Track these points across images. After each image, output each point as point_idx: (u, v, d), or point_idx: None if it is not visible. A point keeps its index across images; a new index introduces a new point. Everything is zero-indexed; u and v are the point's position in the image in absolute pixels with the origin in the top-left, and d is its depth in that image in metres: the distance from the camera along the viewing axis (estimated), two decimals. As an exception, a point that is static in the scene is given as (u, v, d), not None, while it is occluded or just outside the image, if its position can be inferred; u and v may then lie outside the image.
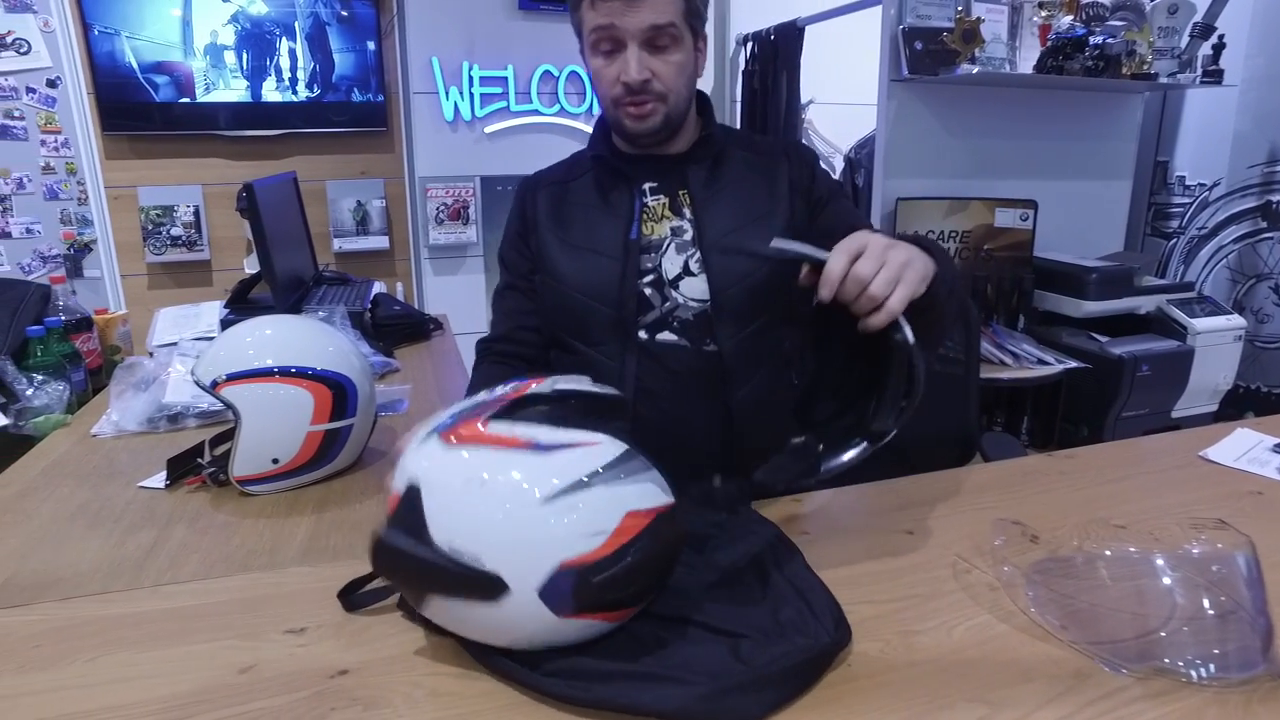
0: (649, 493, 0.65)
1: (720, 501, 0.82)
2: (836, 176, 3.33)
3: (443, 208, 3.07)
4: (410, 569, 0.64)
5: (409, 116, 2.98)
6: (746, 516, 0.86)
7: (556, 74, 3.05)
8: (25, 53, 2.60)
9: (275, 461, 1.06)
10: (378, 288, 2.09)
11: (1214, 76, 2.44)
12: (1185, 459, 1.06)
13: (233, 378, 1.05)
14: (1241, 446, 1.07)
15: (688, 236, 1.06)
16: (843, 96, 3.37)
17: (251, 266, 2.84)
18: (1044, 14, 2.37)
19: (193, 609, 0.75)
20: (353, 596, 0.74)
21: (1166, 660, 0.61)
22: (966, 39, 2.21)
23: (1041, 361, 2.29)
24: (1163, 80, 2.41)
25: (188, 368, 1.35)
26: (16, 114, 2.63)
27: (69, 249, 2.76)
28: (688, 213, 1.07)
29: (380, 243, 3.06)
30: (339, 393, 1.08)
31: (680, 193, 1.08)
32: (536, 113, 3.08)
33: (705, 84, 3.29)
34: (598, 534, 0.61)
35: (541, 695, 0.60)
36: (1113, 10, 2.37)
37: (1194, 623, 0.63)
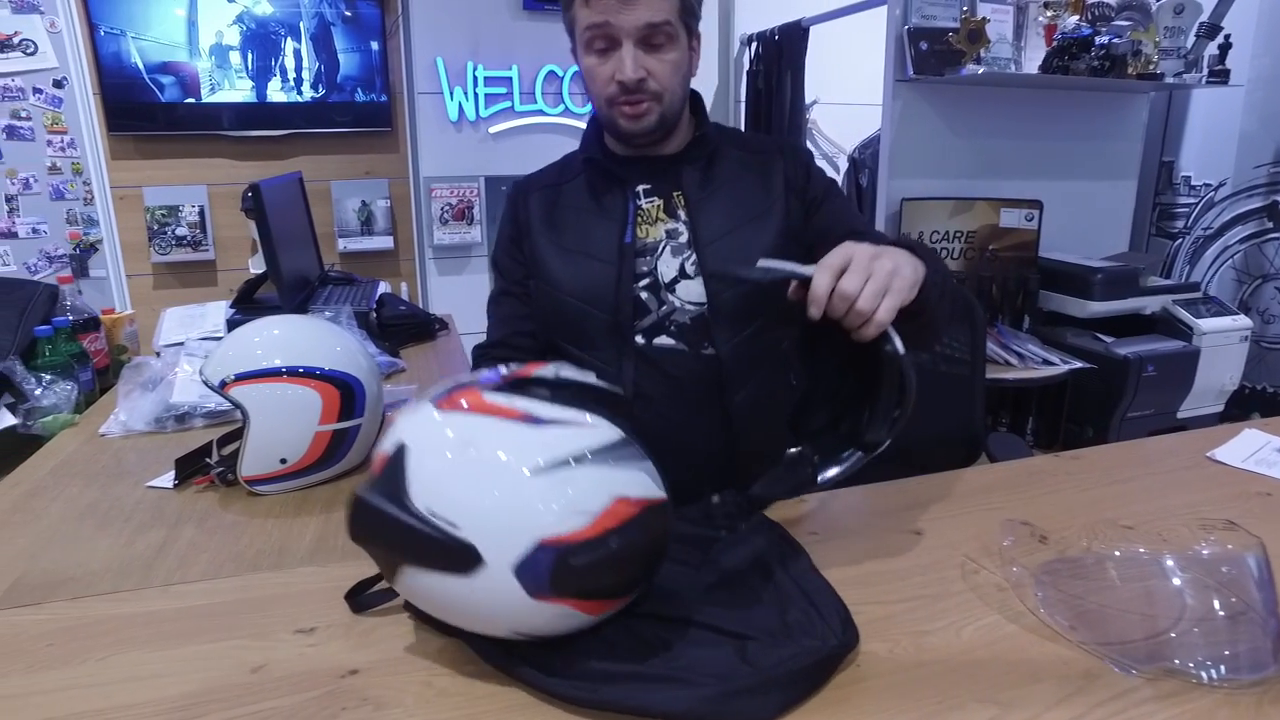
0: (640, 482, 0.64)
1: (720, 519, 0.81)
2: (840, 177, 3.33)
3: (447, 208, 3.07)
4: (385, 532, 0.62)
5: (414, 116, 2.99)
6: (754, 521, 0.86)
7: (561, 74, 3.05)
8: (32, 53, 2.60)
9: (283, 461, 1.06)
10: (383, 288, 2.09)
11: (1220, 76, 2.44)
12: (1192, 460, 1.06)
13: (241, 378, 1.05)
14: (1249, 447, 1.07)
15: (683, 239, 1.05)
16: (847, 97, 3.37)
17: (256, 266, 2.85)
18: (1049, 14, 2.37)
19: (203, 608, 0.75)
20: (360, 597, 0.74)
21: (1177, 661, 0.61)
22: (972, 39, 2.20)
23: (1046, 362, 2.29)
24: (1168, 80, 2.40)
25: (195, 368, 1.36)
26: (23, 114, 2.63)
27: (75, 249, 2.76)
28: (683, 214, 1.05)
29: (385, 243, 3.06)
30: (347, 393, 1.08)
31: (675, 194, 1.06)
32: (541, 113, 3.08)
33: (709, 84, 3.31)
34: (581, 514, 0.59)
35: (550, 696, 0.60)
36: (1118, 10, 2.36)
37: (1204, 624, 0.63)
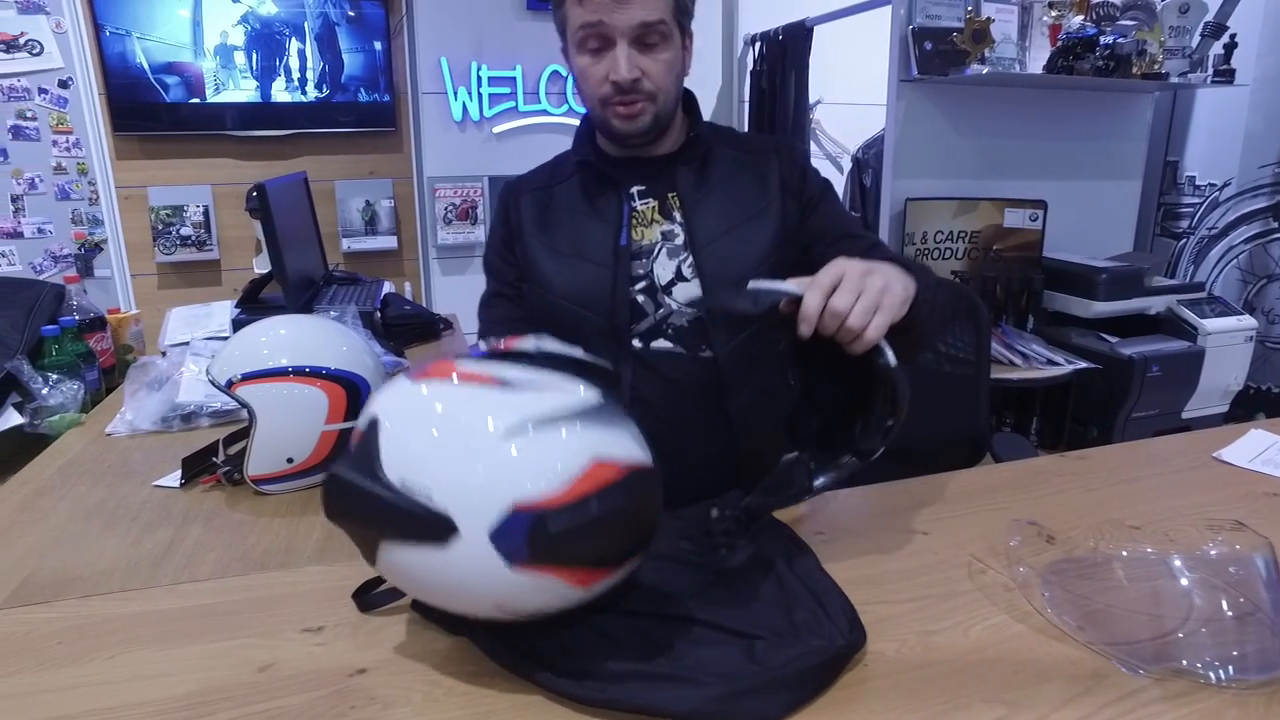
0: (622, 444, 0.61)
1: (719, 536, 0.80)
2: (843, 177, 3.33)
3: (451, 208, 3.08)
4: (360, 506, 0.60)
5: (417, 116, 2.99)
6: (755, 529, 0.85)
7: (565, 74, 3.05)
8: (38, 54, 2.61)
9: (290, 461, 1.07)
10: (387, 287, 2.09)
11: (1225, 76, 2.43)
12: (1198, 460, 1.05)
13: (248, 377, 1.05)
14: (1256, 448, 1.07)
15: (679, 241, 1.04)
16: (851, 97, 3.37)
17: (261, 266, 2.86)
18: (1054, 14, 2.37)
19: (210, 607, 0.75)
20: (367, 597, 0.74)
21: (1184, 662, 0.61)
22: (976, 39, 2.20)
23: (1051, 362, 2.28)
24: (1174, 80, 2.39)
25: (200, 367, 1.36)
26: (29, 114, 2.64)
27: (80, 249, 2.77)
28: (678, 216, 1.04)
29: (389, 243, 3.07)
30: (353, 392, 1.09)
31: (670, 195, 1.05)
32: (545, 113, 3.09)
33: (713, 84, 3.31)
34: (556, 476, 0.57)
35: (558, 696, 0.60)
36: (1123, 10, 2.36)
37: (1212, 624, 0.63)
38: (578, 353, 0.68)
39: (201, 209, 2.86)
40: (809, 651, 0.63)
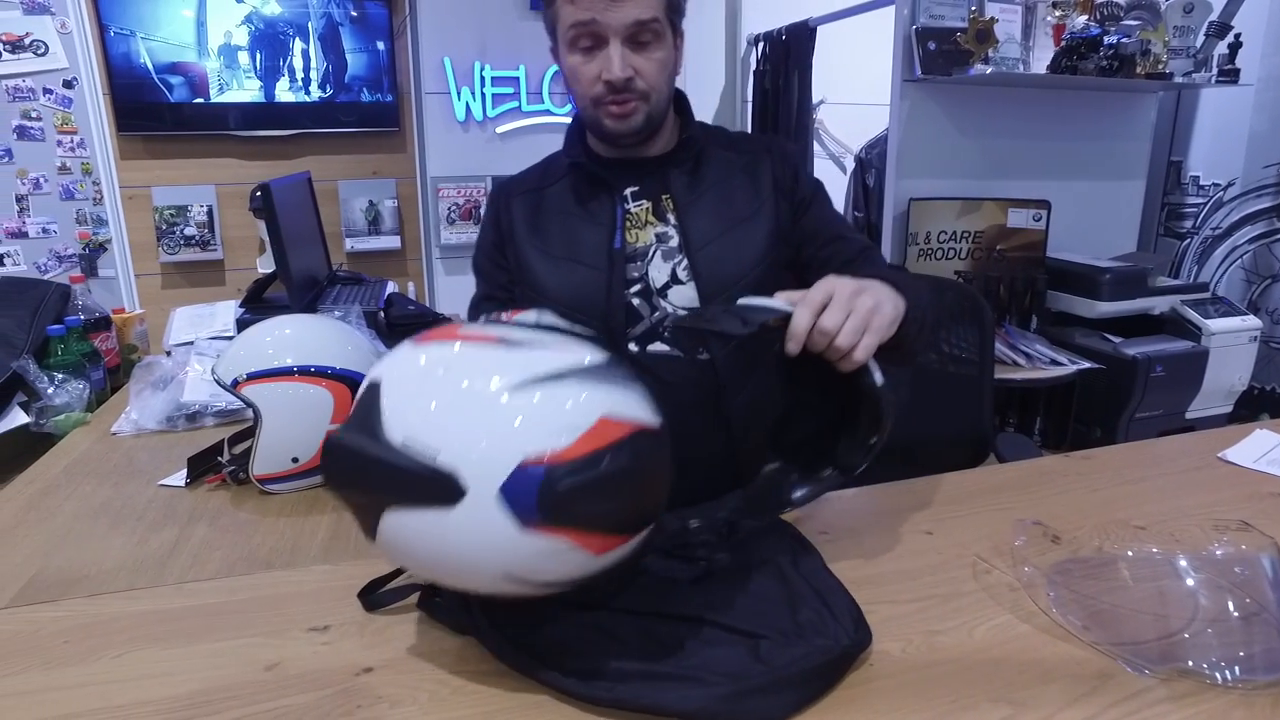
0: (631, 403, 0.60)
1: (699, 549, 0.79)
2: (846, 177, 3.32)
3: (454, 208, 3.08)
4: (361, 471, 0.58)
5: (421, 116, 3.00)
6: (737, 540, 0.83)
7: (568, 74, 3.06)
8: (43, 54, 2.62)
9: (295, 460, 1.07)
10: (391, 287, 2.09)
11: (1230, 76, 2.43)
12: (1203, 460, 1.05)
13: (253, 377, 1.06)
14: (1261, 448, 1.07)
15: (673, 243, 1.02)
16: (854, 96, 3.37)
17: (264, 266, 2.86)
18: (1058, 14, 2.36)
19: (217, 606, 0.75)
20: (373, 596, 0.75)
21: (1190, 662, 0.61)
22: (980, 39, 2.20)
23: (1055, 362, 2.28)
24: (1178, 80, 2.39)
25: (205, 367, 1.36)
26: (34, 115, 2.65)
27: (84, 249, 2.78)
28: (672, 218, 1.03)
29: (392, 242, 3.07)
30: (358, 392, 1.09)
31: (663, 197, 1.04)
32: (548, 113, 3.09)
33: (716, 84, 3.31)
34: (566, 431, 0.55)
35: (564, 695, 0.61)
36: (1127, 9, 2.35)
37: (1218, 624, 0.63)
38: (580, 329, 0.67)
39: (205, 209, 2.86)
40: (814, 651, 0.63)
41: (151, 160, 2.80)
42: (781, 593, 0.72)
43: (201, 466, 1.12)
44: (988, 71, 2.22)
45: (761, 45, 3.15)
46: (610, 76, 0.94)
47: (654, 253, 1.03)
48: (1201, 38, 2.40)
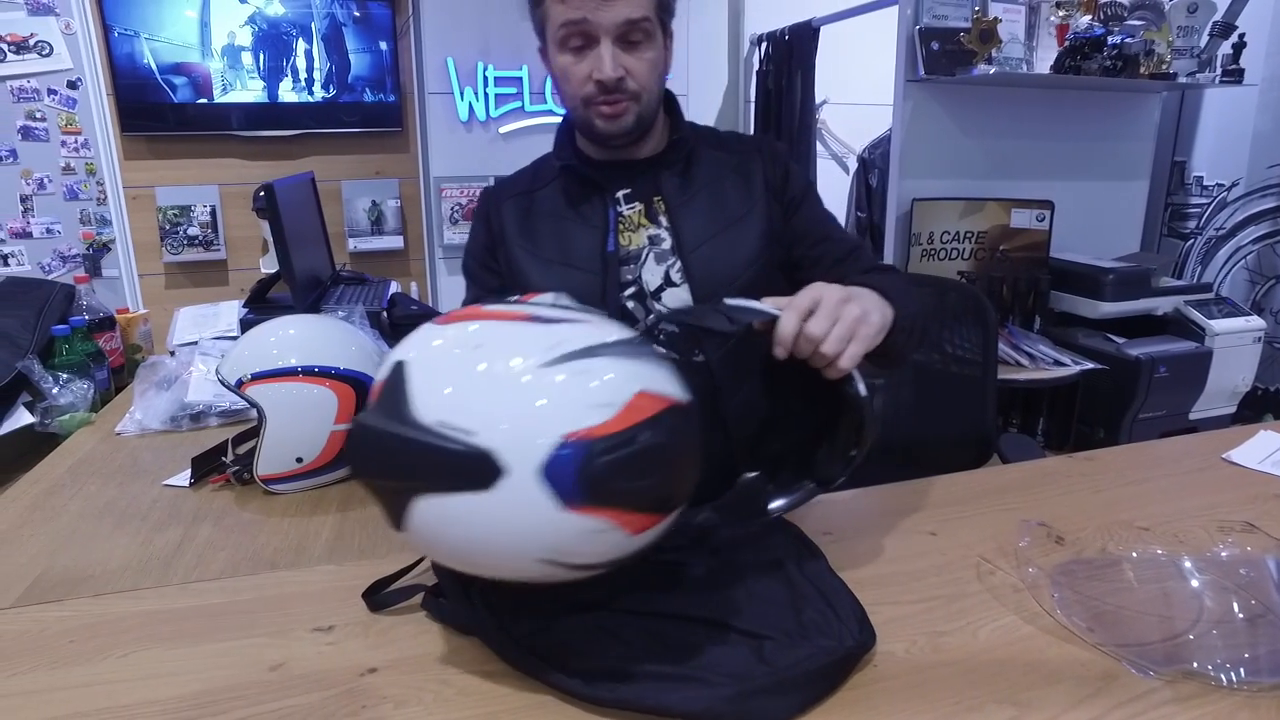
0: (664, 379, 0.59)
1: (668, 551, 0.76)
2: (849, 177, 3.32)
3: (457, 208, 3.08)
4: (392, 456, 0.55)
5: (424, 117, 3.00)
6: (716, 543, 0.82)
7: (570, 74, 3.06)
8: (47, 55, 2.62)
9: (299, 460, 1.07)
10: (394, 287, 2.10)
11: (1234, 76, 2.42)
12: (1207, 461, 1.05)
13: (257, 377, 1.06)
14: (1265, 449, 1.07)
15: (666, 245, 1.02)
16: (857, 97, 3.37)
17: (268, 266, 2.86)
18: (1062, 14, 2.36)
19: (221, 606, 0.76)
20: (378, 596, 0.75)
21: (1195, 664, 0.61)
22: (984, 39, 2.20)
23: (1058, 363, 2.28)
24: (1181, 80, 2.39)
25: (209, 367, 1.37)
26: (38, 115, 2.66)
27: (88, 249, 2.78)
28: (664, 220, 1.02)
29: (395, 242, 3.07)
30: (362, 392, 1.09)
31: (655, 199, 1.03)
32: (551, 113, 3.09)
33: (719, 84, 3.31)
34: (605, 406, 0.54)
35: (568, 695, 0.61)
36: (1131, 10, 2.35)
37: (1223, 626, 0.63)
38: (596, 312, 0.65)
39: (209, 209, 2.87)
40: (818, 652, 0.63)
41: (155, 160, 2.81)
42: (786, 593, 0.72)
43: (206, 467, 1.13)
44: (991, 72, 2.22)
45: (764, 45, 3.15)
46: (601, 76, 0.93)
47: (647, 255, 1.02)
48: (1205, 38, 2.39)
